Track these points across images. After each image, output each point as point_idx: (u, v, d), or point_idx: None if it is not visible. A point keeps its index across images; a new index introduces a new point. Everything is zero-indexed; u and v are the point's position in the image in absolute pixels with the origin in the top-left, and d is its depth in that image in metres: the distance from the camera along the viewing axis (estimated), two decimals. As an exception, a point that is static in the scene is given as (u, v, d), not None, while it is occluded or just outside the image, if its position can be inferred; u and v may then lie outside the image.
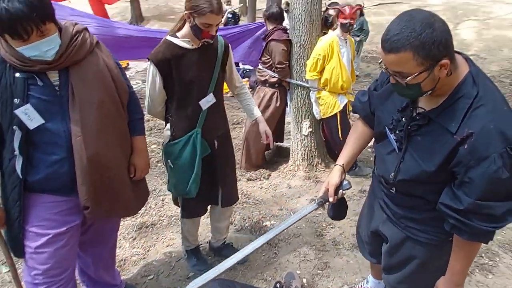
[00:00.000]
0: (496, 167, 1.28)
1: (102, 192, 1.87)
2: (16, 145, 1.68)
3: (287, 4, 4.09)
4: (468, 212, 1.38)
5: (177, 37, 2.24)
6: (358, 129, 1.95)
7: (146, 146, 2.25)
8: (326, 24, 4.11)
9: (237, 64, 9.13)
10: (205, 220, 3.20)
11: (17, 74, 1.63)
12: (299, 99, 4.20)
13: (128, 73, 8.44)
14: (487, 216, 1.37)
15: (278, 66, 4.06)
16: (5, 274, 2.82)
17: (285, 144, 4.79)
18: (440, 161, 1.41)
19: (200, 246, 2.98)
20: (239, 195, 3.07)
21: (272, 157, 4.87)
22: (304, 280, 2.82)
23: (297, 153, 4.38)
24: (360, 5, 4.13)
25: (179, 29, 2.29)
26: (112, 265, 2.47)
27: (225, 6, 10.06)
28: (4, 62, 1.63)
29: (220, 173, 2.57)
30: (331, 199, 1.78)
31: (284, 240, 3.24)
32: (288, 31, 4.14)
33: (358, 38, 9.04)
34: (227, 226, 2.98)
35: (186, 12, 2.14)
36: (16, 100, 1.63)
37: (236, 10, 10.11)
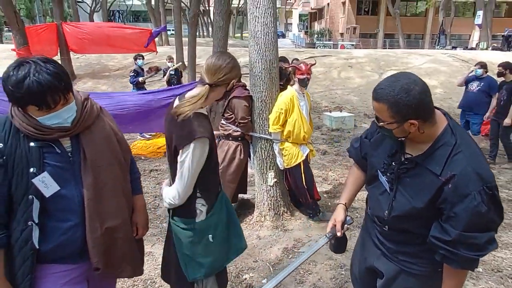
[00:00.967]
0: (476, 203, 1.51)
1: (112, 253, 1.89)
2: (35, 215, 1.66)
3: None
4: (456, 243, 1.57)
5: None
6: (354, 173, 2.20)
7: (145, 204, 2.28)
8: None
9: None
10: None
11: (32, 143, 1.64)
12: (263, 151, 4.35)
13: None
14: (472, 246, 1.56)
15: (241, 121, 4.23)
16: None
17: (247, 196, 4.90)
18: (427, 199, 1.63)
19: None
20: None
21: (236, 209, 4.93)
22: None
23: (263, 203, 4.48)
24: (314, 63, 4.48)
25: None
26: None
27: (167, 63, 10.24)
28: (18, 133, 1.64)
29: None
30: (339, 234, 1.98)
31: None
32: (247, 88, 4.36)
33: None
34: None
35: (234, 81, 2.16)
36: (32, 169, 1.63)
37: (178, 67, 10.29)
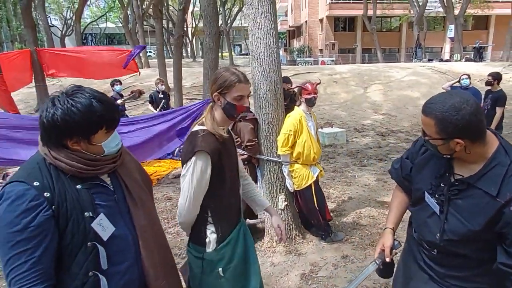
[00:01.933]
0: None
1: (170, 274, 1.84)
2: (103, 262, 1.52)
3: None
4: None
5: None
6: (397, 195, 2.15)
7: None
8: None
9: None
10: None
11: (79, 186, 1.51)
12: (271, 174, 4.25)
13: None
14: None
15: (248, 144, 4.14)
16: None
17: (256, 221, 4.77)
18: (484, 221, 1.57)
19: None
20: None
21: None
22: None
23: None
24: (319, 82, 4.44)
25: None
26: None
27: (159, 86, 9.95)
28: (60, 176, 1.49)
29: None
30: (388, 259, 1.92)
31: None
32: (251, 111, 4.27)
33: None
34: None
35: (215, 94, 2.07)
36: (87, 214, 1.49)
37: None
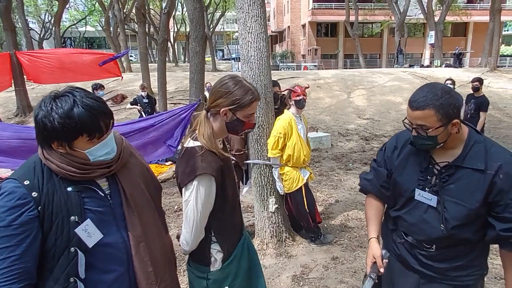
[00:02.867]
0: None
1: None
2: (81, 269, 1.47)
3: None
4: None
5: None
6: (373, 204, 2.14)
7: (173, 244, 2.13)
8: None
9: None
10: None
11: (69, 188, 1.47)
12: (262, 177, 4.27)
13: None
14: None
15: (237, 153, 4.20)
16: None
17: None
18: (481, 196, 1.68)
19: None
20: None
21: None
22: None
23: (265, 231, 4.37)
24: (307, 86, 4.48)
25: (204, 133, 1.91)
26: None
27: (141, 92, 9.94)
28: (52, 177, 1.47)
29: None
30: (382, 270, 1.88)
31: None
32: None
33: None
34: None
35: (223, 109, 1.85)
36: (73, 218, 1.44)
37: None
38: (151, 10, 36.05)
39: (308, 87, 4.47)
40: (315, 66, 33.36)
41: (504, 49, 49.56)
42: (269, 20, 56.03)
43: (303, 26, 44.78)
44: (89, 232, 1.48)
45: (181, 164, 1.87)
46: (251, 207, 5.27)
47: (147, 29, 26.77)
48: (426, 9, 28.08)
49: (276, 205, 4.31)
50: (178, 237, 2.03)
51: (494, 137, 11.06)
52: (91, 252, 1.50)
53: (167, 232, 2.02)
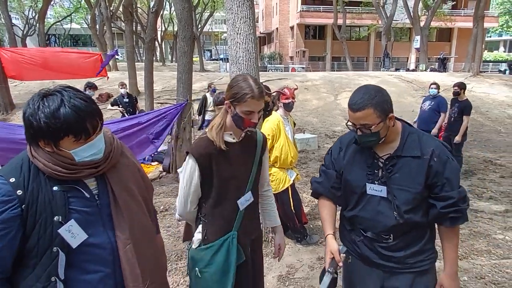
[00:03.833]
0: (453, 163, 1.92)
1: None
2: (60, 270, 1.46)
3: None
4: (458, 200, 1.88)
5: None
6: (326, 205, 2.24)
7: (164, 244, 2.14)
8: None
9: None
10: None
11: (55, 188, 1.46)
12: (249, 177, 4.28)
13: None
14: (465, 198, 1.91)
15: None
16: None
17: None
18: (423, 179, 1.89)
19: None
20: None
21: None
22: None
23: (251, 231, 4.37)
24: (296, 88, 4.51)
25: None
26: None
27: (120, 90, 9.82)
28: (39, 176, 1.46)
29: (251, 284, 2.25)
30: (340, 264, 1.98)
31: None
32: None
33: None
34: None
35: (226, 101, 2.03)
36: (57, 218, 1.44)
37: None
38: (138, 8, 35.80)
39: (296, 89, 4.51)
40: (303, 68, 33.51)
41: (487, 54, 50.36)
42: (257, 22, 56.15)
43: (292, 28, 44.95)
44: (73, 233, 1.47)
45: None
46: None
47: (134, 27, 26.60)
48: (412, 14, 28.43)
49: (263, 206, 4.33)
50: None
51: (476, 141, 11.29)
52: (76, 252, 1.49)
53: (158, 233, 2.03)
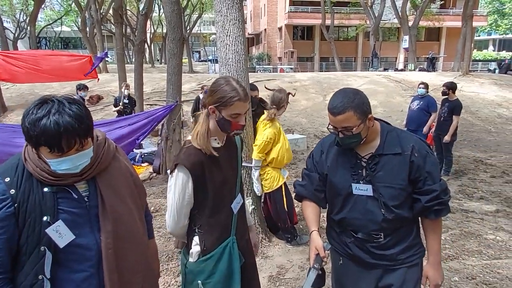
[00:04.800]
0: (433, 157, 1.99)
1: None
2: (47, 268, 1.49)
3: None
4: (441, 192, 1.93)
5: None
6: (309, 205, 2.23)
7: (157, 249, 2.15)
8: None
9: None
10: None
11: (46, 189, 1.49)
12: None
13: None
14: (446, 190, 1.97)
15: None
16: None
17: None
18: (406, 175, 1.95)
19: None
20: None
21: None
22: None
23: (242, 231, 4.40)
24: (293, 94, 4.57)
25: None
26: None
27: (124, 91, 9.94)
28: (31, 177, 1.49)
29: (247, 284, 2.20)
30: (325, 259, 2.00)
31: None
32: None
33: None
34: None
35: (210, 107, 1.97)
36: (45, 218, 1.47)
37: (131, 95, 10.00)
38: (127, 11, 35.68)
39: (294, 95, 4.58)
40: (291, 68, 33.63)
41: (476, 53, 50.80)
42: (246, 23, 56.16)
43: (280, 29, 45.09)
44: (60, 233, 1.51)
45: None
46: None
47: (124, 30, 26.49)
48: (400, 14, 28.55)
49: (253, 206, 4.36)
50: None
51: (466, 140, 11.37)
52: (63, 252, 1.53)
53: (152, 238, 2.04)
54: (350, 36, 43.97)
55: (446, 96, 7.50)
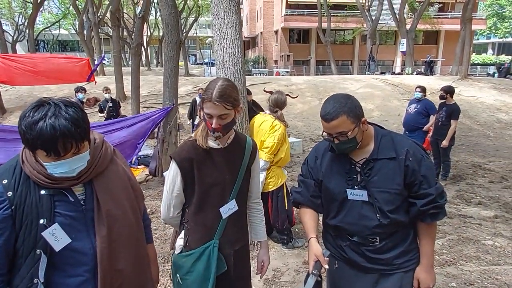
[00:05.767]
0: (428, 161, 1.99)
1: None
2: (41, 272, 1.49)
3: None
4: (436, 196, 1.93)
5: None
6: (307, 212, 2.23)
7: (156, 254, 2.14)
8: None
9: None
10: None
11: (42, 192, 1.49)
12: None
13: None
14: (442, 193, 1.97)
15: None
16: None
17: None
18: (401, 179, 1.95)
19: None
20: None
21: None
22: None
23: (238, 234, 4.39)
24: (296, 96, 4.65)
25: None
26: None
27: (104, 95, 9.90)
28: (28, 180, 1.49)
29: None
30: (326, 266, 1.98)
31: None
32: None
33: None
34: None
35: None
36: (42, 221, 1.47)
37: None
38: (124, 14, 35.69)
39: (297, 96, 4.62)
40: (287, 72, 33.57)
41: (475, 57, 50.81)
42: (242, 26, 56.11)
43: (276, 32, 45.10)
44: (56, 236, 1.50)
45: None
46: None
47: (120, 33, 26.52)
48: (397, 17, 28.49)
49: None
50: None
51: (465, 145, 11.36)
52: (58, 255, 1.52)
53: (150, 242, 2.04)
54: (347, 39, 44.02)
55: (444, 100, 7.45)
